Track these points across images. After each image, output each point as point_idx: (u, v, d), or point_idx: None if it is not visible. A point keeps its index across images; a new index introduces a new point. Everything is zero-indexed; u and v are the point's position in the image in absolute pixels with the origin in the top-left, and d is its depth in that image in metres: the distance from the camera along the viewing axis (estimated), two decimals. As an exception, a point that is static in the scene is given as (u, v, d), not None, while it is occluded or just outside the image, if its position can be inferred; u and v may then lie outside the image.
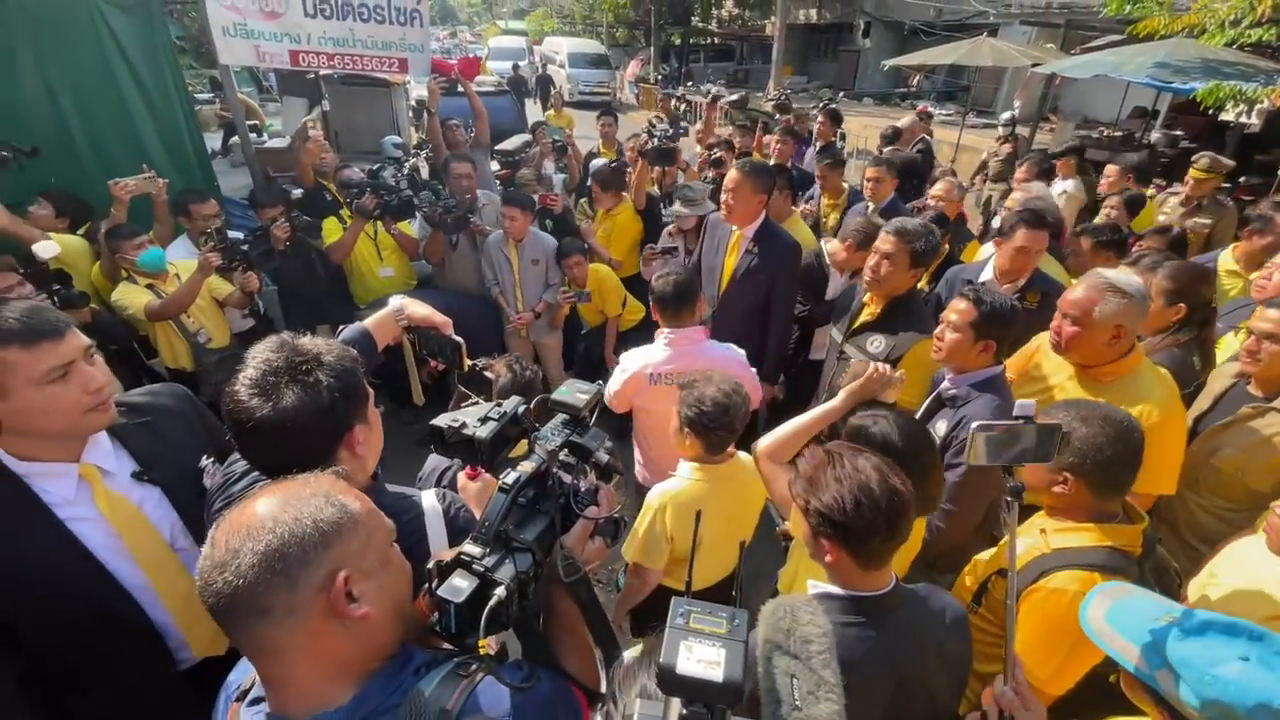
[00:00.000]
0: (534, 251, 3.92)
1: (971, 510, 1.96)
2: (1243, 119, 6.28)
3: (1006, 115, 9.45)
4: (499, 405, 1.08)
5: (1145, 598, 1.18)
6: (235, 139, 7.78)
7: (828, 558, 1.26)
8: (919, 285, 2.55)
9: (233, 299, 3.31)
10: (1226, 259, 3.31)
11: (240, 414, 1.03)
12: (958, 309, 2.02)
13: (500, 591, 0.85)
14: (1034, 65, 10.02)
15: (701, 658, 0.71)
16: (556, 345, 4.30)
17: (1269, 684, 0.92)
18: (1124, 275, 2.00)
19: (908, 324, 2.42)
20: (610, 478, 1.13)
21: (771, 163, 4.01)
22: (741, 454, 2.10)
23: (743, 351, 2.50)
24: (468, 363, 1.60)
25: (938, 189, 4.00)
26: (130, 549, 1.39)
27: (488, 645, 0.81)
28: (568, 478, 1.08)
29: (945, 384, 2.09)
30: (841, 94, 18.57)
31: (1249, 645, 0.98)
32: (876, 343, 2.43)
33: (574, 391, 1.14)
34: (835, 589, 1.28)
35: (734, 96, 15.12)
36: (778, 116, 10.96)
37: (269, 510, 0.78)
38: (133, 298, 2.94)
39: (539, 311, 3.99)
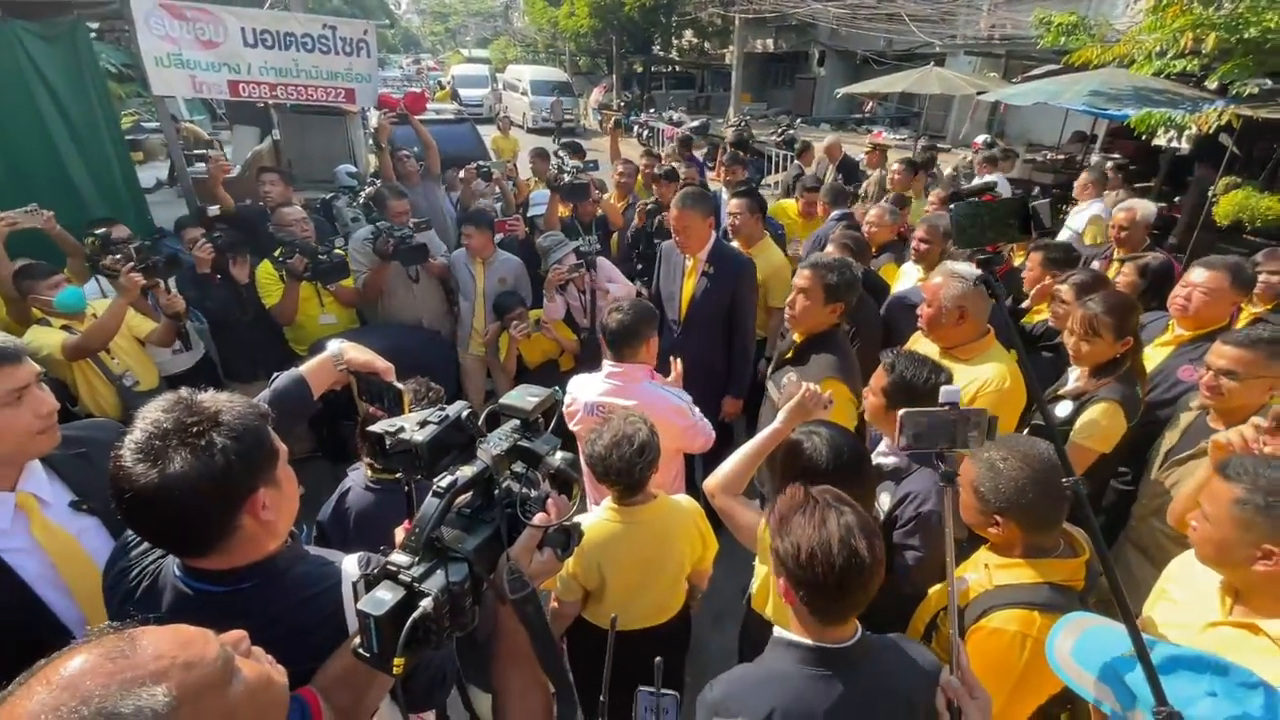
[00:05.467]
0: (501, 270, 3.88)
1: (928, 580, 1.93)
2: (1173, 144, 6.60)
3: (983, 138, 9.75)
4: (441, 409, 1.00)
5: (1108, 628, 1.17)
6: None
7: (786, 599, 1.25)
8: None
9: (154, 336, 3.10)
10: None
11: (122, 481, 0.93)
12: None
13: (426, 603, 0.77)
14: (979, 93, 10.46)
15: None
16: (511, 369, 4.19)
17: (1237, 718, 0.94)
18: (965, 265, 2.37)
19: (827, 358, 2.42)
20: (569, 487, 1.06)
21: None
22: (678, 497, 2.07)
23: (687, 397, 2.46)
24: (409, 410, 1.50)
25: (871, 215, 4.07)
26: (66, 580, 1.38)
27: (401, 666, 0.74)
28: (517, 486, 1.01)
29: (882, 450, 2.04)
30: (799, 119, 19.09)
31: (1213, 680, 1.00)
32: (789, 379, 2.44)
33: (524, 396, 1.06)
34: (799, 639, 1.25)
35: (695, 123, 15.44)
36: (728, 145, 11.24)
37: None
38: (46, 338, 2.74)
39: (488, 339, 3.90)
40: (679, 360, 2.65)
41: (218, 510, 0.98)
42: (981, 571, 1.56)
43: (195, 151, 7.87)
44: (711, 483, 1.89)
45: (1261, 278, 2.95)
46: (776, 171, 11.42)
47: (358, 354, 1.53)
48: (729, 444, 2.81)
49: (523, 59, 31.65)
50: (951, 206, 1.26)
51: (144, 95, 11.95)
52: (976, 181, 4.33)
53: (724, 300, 3.14)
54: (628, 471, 1.82)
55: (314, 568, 1.14)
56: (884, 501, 1.95)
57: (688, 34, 25.81)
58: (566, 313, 3.85)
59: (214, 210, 4.10)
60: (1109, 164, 6.66)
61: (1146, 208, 3.97)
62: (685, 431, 2.41)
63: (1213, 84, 6.48)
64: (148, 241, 3.21)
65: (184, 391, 1.04)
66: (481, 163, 5.64)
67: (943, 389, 1.33)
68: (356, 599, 0.81)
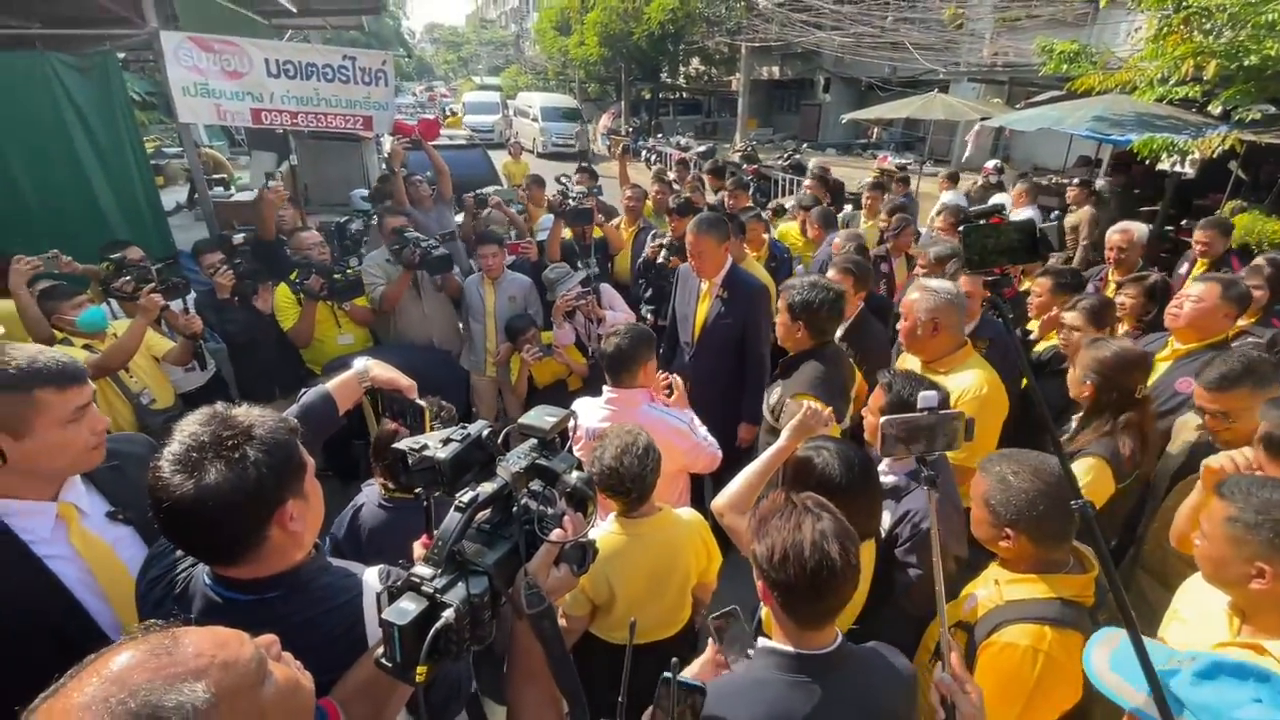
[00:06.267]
0: (511, 289, 3.95)
1: (930, 598, 1.94)
2: (1178, 168, 6.66)
3: (993, 163, 9.85)
4: (463, 427, 1.03)
5: (1148, 642, 1.17)
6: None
7: (765, 601, 1.28)
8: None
9: (172, 355, 3.15)
10: None
11: (160, 492, 0.98)
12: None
13: (449, 614, 0.80)
14: (982, 119, 10.58)
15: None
16: (522, 392, 4.24)
17: None
18: (939, 282, 2.52)
19: (806, 376, 2.45)
20: (584, 505, 1.08)
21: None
22: (681, 511, 2.09)
23: (689, 417, 2.49)
24: (430, 426, 1.54)
25: (837, 240, 4.13)
26: (103, 586, 1.43)
27: (424, 674, 0.76)
28: (535, 504, 1.03)
29: (882, 468, 2.05)
30: (805, 145, 19.35)
31: (1258, 687, 1.01)
32: (775, 392, 2.48)
33: (542, 416, 1.10)
34: (780, 645, 1.27)
35: (702, 148, 15.70)
36: (745, 166, 11.40)
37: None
38: (71, 357, 2.82)
39: (500, 359, 3.95)
40: (679, 380, 2.66)
41: (249, 520, 1.02)
42: (992, 587, 1.56)
43: (214, 176, 8.07)
44: (720, 502, 1.90)
45: None
46: (782, 195, 11.55)
47: (382, 371, 1.57)
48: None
49: (533, 86, 32.32)
50: (960, 229, 1.30)
51: (166, 121, 12.35)
52: (990, 203, 4.42)
53: (737, 325, 3.16)
54: (640, 476, 1.83)
55: (337, 579, 1.16)
56: (884, 520, 1.96)
57: (695, 62, 26.32)
58: (576, 337, 3.91)
59: (239, 238, 4.20)
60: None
61: (1141, 229, 4.02)
62: (688, 453, 2.42)
63: (1215, 109, 6.54)
64: (163, 264, 3.27)
65: (219, 406, 1.08)
66: (479, 191, 5.78)
67: (921, 394, 1.37)
68: (380, 610, 0.83)
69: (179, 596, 1.12)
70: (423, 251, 3.61)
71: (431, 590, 0.83)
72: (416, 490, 1.04)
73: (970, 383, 2.33)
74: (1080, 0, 11.53)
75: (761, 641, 1.32)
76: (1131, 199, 9.21)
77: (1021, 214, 5.99)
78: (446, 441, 1.00)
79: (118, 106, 4.04)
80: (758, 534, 1.26)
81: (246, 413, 1.08)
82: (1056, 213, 7.01)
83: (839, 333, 3.04)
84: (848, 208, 7.33)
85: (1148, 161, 6.83)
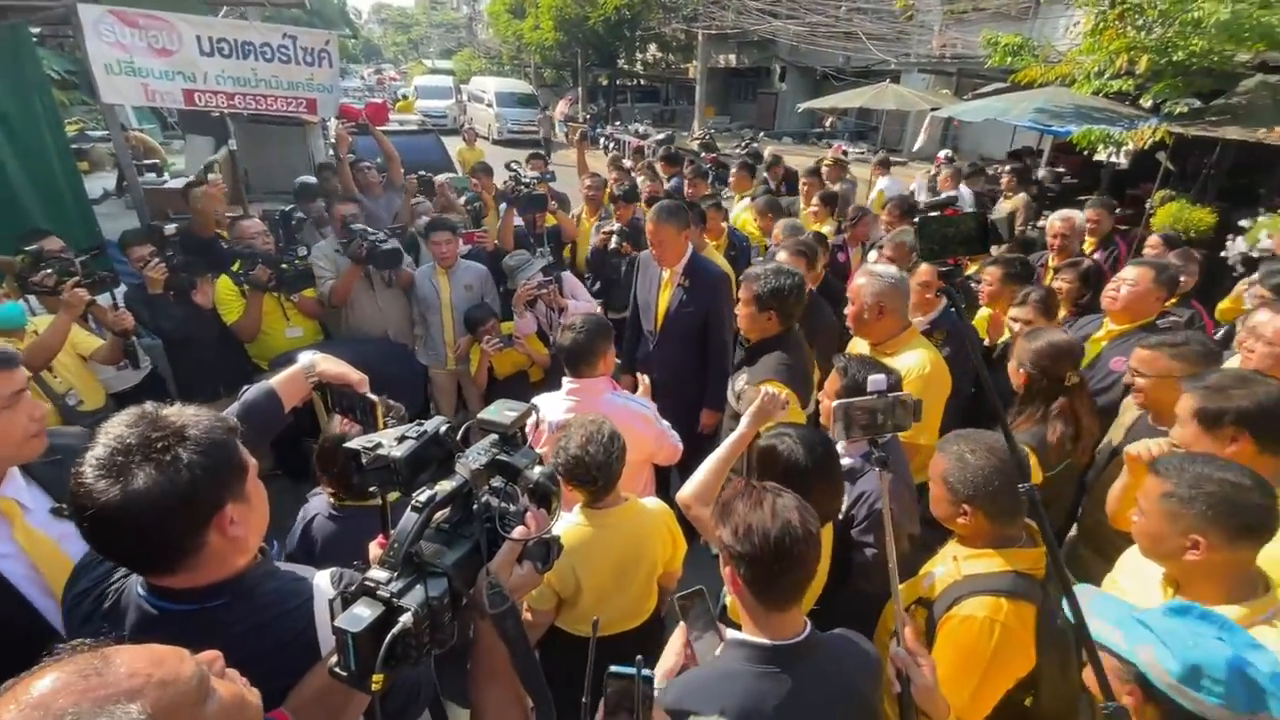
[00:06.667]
0: (466, 277, 3.84)
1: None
2: (1113, 159, 6.98)
3: (944, 153, 10.09)
4: (419, 424, 1.00)
5: (1109, 596, 1.30)
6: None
7: (732, 589, 1.28)
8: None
9: (100, 354, 2.95)
10: None
11: (84, 499, 0.91)
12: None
13: (406, 619, 0.77)
14: (933, 109, 10.86)
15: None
16: (482, 384, 4.15)
17: (1238, 655, 1.06)
18: (883, 266, 2.60)
19: (770, 364, 2.46)
20: (548, 500, 1.06)
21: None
22: (646, 500, 2.08)
23: (652, 405, 2.48)
24: (382, 422, 1.48)
25: (776, 230, 4.22)
26: (51, 584, 1.39)
27: (380, 683, 0.73)
28: (497, 501, 1.00)
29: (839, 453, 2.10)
30: (762, 133, 19.51)
31: (1220, 630, 1.11)
32: (740, 379, 2.51)
33: (502, 410, 1.07)
34: (750, 638, 1.28)
35: (661, 136, 15.63)
36: (703, 155, 11.40)
37: None
38: (-6, 347, 2.62)
39: (460, 352, 3.86)
40: (645, 376, 2.69)
41: (184, 527, 0.96)
42: (950, 564, 1.60)
43: (145, 162, 7.60)
44: (685, 494, 1.91)
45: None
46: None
47: (330, 365, 1.49)
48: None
49: (487, 71, 31.55)
50: (916, 220, 1.33)
51: (89, 102, 11.54)
52: (942, 195, 4.67)
53: (699, 313, 3.16)
54: (605, 465, 1.82)
55: (285, 584, 1.11)
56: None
57: (652, 48, 26.18)
58: (538, 326, 3.85)
59: (170, 228, 3.95)
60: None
61: (1081, 217, 4.22)
62: (653, 440, 2.42)
63: (1147, 103, 6.88)
64: (88, 255, 3.05)
65: (149, 405, 1.01)
66: (423, 172, 5.56)
67: (870, 378, 1.41)
68: (333, 617, 0.79)
69: (109, 611, 1.04)
70: (370, 245, 3.45)
71: (388, 594, 0.80)
72: (371, 490, 1.00)
73: (915, 362, 2.42)
74: (1023, -5, 11.93)
75: (731, 634, 1.33)
76: (1069, 189, 9.66)
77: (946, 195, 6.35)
78: (402, 439, 0.97)
79: (33, 86, 3.74)
80: (722, 518, 1.28)
81: (179, 412, 1.01)
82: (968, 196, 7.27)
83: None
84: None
85: (1085, 152, 7.14)
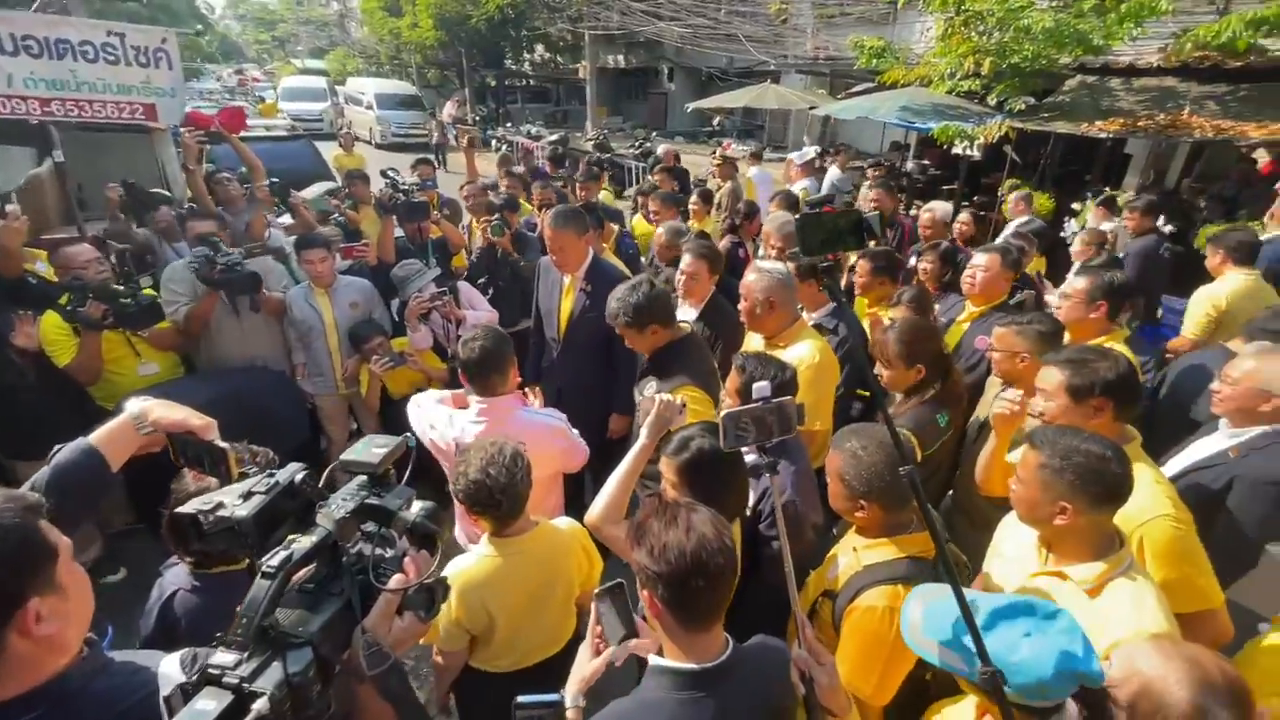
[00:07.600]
0: (350, 295, 3.56)
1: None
2: (968, 152, 7.70)
3: (813, 150, 10.59)
4: (270, 474, 0.88)
5: (949, 597, 1.24)
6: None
7: (651, 612, 1.24)
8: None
9: None
10: None
11: None
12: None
13: (260, 705, 0.68)
14: (811, 108, 11.47)
15: None
16: (375, 405, 3.88)
17: (1050, 651, 1.05)
18: (772, 264, 2.75)
19: (677, 368, 2.47)
20: (430, 541, 0.97)
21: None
22: (558, 521, 2.02)
23: (563, 416, 2.42)
24: (236, 472, 1.29)
25: (660, 233, 4.27)
26: None
27: None
28: (370, 548, 0.90)
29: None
30: (655, 133, 19.79)
31: (1027, 621, 1.12)
32: (649, 387, 2.51)
33: (369, 448, 0.97)
34: (671, 663, 1.24)
35: (554, 137, 15.44)
36: (597, 155, 11.38)
37: None
38: None
39: (348, 374, 3.58)
40: (539, 391, 2.65)
41: None
42: (851, 555, 1.67)
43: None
44: (594, 515, 1.86)
45: None
46: (635, 184, 11.73)
47: (165, 411, 1.29)
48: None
49: (365, 71, 29.79)
50: (796, 218, 1.36)
51: None
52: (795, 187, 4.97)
53: (602, 318, 3.08)
54: (509, 487, 1.74)
55: (121, 679, 0.96)
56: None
57: (539, 48, 25.79)
58: (434, 340, 3.64)
59: None
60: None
61: (944, 208, 4.61)
62: (565, 452, 2.36)
63: (992, 101, 7.64)
64: None
65: None
66: (273, 179, 5.10)
67: (754, 385, 1.43)
68: (170, 715, 0.68)
69: None
70: (223, 268, 3.08)
71: (236, 680, 0.70)
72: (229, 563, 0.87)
73: (806, 352, 2.54)
74: (883, 0, 12.84)
75: (653, 660, 1.29)
76: (934, 180, 10.55)
77: (799, 185, 7.00)
78: (248, 495, 0.85)
79: None
80: (637, 540, 1.23)
81: None
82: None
83: (694, 314, 3.13)
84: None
85: (944, 146, 7.82)
